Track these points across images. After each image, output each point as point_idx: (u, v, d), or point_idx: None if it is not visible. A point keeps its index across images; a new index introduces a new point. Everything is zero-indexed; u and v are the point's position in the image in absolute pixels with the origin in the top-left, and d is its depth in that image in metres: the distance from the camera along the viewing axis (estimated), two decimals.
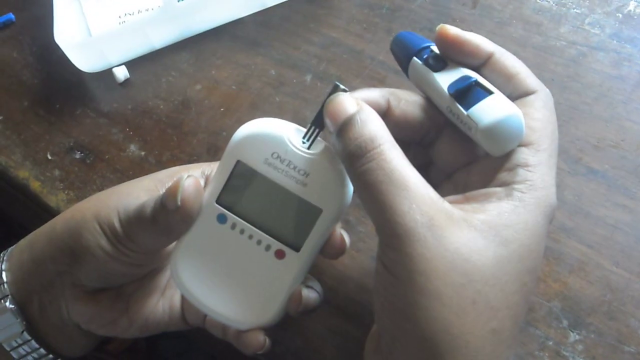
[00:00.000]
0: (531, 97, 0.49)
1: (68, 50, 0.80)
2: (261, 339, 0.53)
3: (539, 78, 0.73)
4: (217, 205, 0.52)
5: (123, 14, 0.89)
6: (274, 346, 0.55)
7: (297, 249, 0.52)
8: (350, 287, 0.63)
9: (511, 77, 0.49)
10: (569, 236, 0.64)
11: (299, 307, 0.52)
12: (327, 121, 0.48)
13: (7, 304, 0.56)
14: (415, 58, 0.52)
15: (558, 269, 0.62)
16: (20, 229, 0.61)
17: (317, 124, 0.50)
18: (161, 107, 0.80)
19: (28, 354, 0.58)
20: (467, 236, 0.43)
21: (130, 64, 0.84)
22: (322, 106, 0.48)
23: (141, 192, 0.56)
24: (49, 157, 0.78)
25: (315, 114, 0.50)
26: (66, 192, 0.74)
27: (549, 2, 0.83)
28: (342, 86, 0.48)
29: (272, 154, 0.51)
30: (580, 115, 0.71)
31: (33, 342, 0.57)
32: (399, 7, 0.85)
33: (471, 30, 0.78)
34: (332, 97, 0.48)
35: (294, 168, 0.51)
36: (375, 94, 0.51)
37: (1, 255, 0.60)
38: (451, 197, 0.47)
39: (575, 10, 0.81)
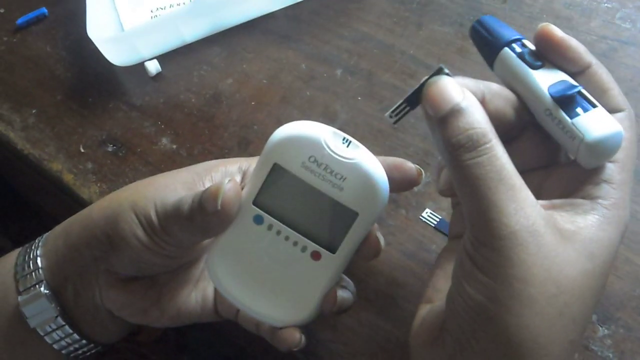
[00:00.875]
0: (620, 115, 0.49)
1: (100, 44, 0.81)
2: (297, 336, 0.54)
3: None
4: (254, 206, 0.53)
5: (155, 8, 0.89)
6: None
7: (333, 251, 0.52)
8: (380, 281, 0.64)
9: (605, 92, 0.49)
10: None
11: (333, 307, 0.53)
12: (428, 105, 0.46)
13: (42, 289, 0.57)
14: (507, 49, 0.51)
15: None
16: (53, 222, 0.62)
17: (410, 102, 0.49)
18: (193, 100, 0.81)
19: (62, 339, 0.59)
20: (563, 247, 0.43)
21: (162, 58, 0.85)
22: (420, 85, 0.47)
23: (179, 185, 0.57)
24: (82, 150, 0.79)
25: (410, 91, 0.48)
26: (98, 185, 0.75)
27: None
28: (446, 70, 0.47)
29: (309, 158, 0.51)
30: None
31: (67, 327, 0.58)
32: (430, 1, 0.85)
33: None
34: (435, 79, 0.46)
35: (331, 172, 0.51)
36: (473, 85, 0.49)
37: (37, 241, 0.61)
38: (540, 202, 0.46)
39: (606, 4, 0.81)
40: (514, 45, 0.50)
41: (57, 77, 0.87)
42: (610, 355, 0.57)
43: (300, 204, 0.53)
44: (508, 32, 0.51)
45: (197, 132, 0.78)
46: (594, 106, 0.47)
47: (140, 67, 0.84)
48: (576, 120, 0.46)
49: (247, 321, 0.59)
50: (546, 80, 0.48)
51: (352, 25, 0.85)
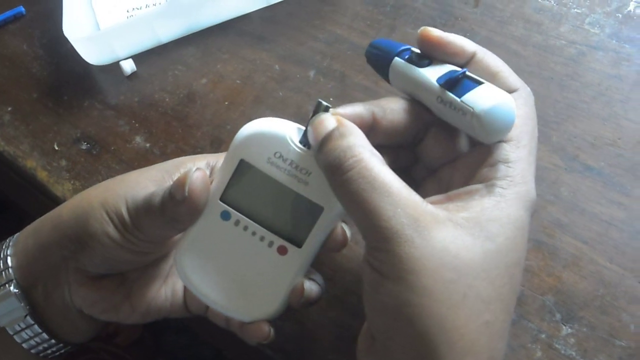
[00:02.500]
0: (512, 94, 0.50)
1: (76, 43, 0.81)
2: (266, 330, 0.54)
3: (538, 77, 0.74)
4: (220, 202, 0.54)
5: (131, 8, 0.90)
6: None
7: (299, 245, 0.53)
8: (348, 279, 0.64)
9: (493, 76, 0.51)
10: (564, 232, 0.65)
11: (300, 299, 0.53)
12: (311, 140, 0.50)
13: (12, 288, 0.57)
14: (397, 58, 0.54)
15: (552, 264, 0.63)
16: (28, 219, 0.62)
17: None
18: (167, 100, 0.81)
19: (31, 338, 0.59)
20: (454, 234, 0.44)
21: (137, 58, 0.85)
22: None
23: (148, 182, 0.57)
24: (56, 148, 0.79)
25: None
26: (72, 182, 0.76)
27: (550, 1, 0.83)
28: (324, 103, 0.50)
29: (275, 153, 0.52)
30: (579, 113, 0.72)
31: (36, 326, 0.58)
32: (403, 5, 0.86)
33: (472, 29, 0.80)
34: (314, 117, 0.50)
35: (296, 167, 0.52)
36: (359, 108, 0.52)
37: (7, 240, 0.61)
38: (434, 198, 0.49)
39: (575, 9, 0.82)
40: (402, 53, 0.54)
41: (34, 75, 0.87)
42: (574, 353, 0.58)
43: (267, 199, 0.53)
44: (397, 45, 0.55)
45: (170, 131, 0.78)
46: (481, 83, 0.49)
47: (115, 66, 0.85)
48: (465, 97, 0.48)
49: (216, 316, 0.60)
50: (434, 74, 0.51)
51: (326, 27, 0.86)
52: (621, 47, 0.77)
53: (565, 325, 0.60)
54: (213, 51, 0.85)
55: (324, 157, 0.47)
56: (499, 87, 0.49)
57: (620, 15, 0.80)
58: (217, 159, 0.61)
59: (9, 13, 0.93)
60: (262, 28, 0.87)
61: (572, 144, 0.70)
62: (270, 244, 0.54)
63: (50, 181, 0.76)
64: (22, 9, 0.94)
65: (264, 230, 0.54)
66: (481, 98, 0.48)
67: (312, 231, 0.53)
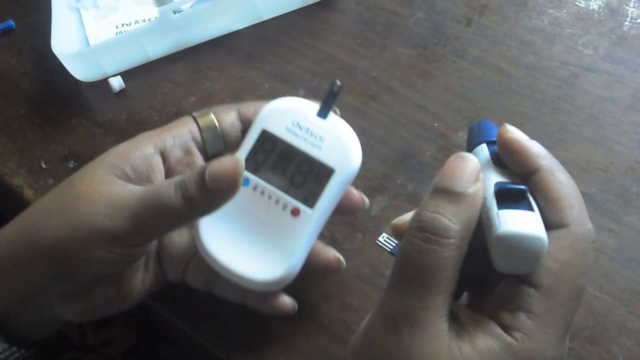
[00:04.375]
0: (561, 231, 0.43)
1: (65, 59, 0.81)
2: (288, 301, 0.58)
3: (530, 99, 0.74)
4: None
5: (120, 24, 0.89)
6: None
7: (311, 206, 0.58)
8: (335, 305, 0.64)
9: (549, 202, 0.44)
10: None
11: (319, 263, 0.58)
12: (445, 174, 0.44)
13: None
14: (485, 145, 0.50)
15: None
16: None
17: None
18: (155, 118, 0.81)
19: None
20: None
21: (126, 74, 0.85)
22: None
23: (121, 186, 0.56)
24: (43, 166, 0.78)
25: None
26: None
27: (543, 21, 0.83)
28: (338, 83, 0.56)
29: (293, 123, 0.59)
30: (570, 137, 0.72)
31: None
32: (394, 24, 0.85)
33: (464, 48, 0.79)
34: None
35: (311, 134, 0.58)
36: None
37: None
38: (463, 310, 0.45)
39: (569, 30, 0.81)
40: (492, 145, 0.50)
41: (22, 90, 0.87)
42: None
43: (283, 164, 0.59)
44: (494, 132, 0.50)
45: None
46: (531, 209, 0.44)
47: (104, 82, 0.84)
48: (502, 211, 0.43)
49: (231, 290, 0.61)
50: (502, 178, 0.47)
51: (316, 45, 0.85)
52: (615, 69, 0.77)
53: None
54: (202, 68, 0.85)
55: (430, 208, 0.43)
56: (551, 217, 0.44)
57: (614, 36, 0.80)
58: (165, 138, 0.62)
59: None
60: (251, 46, 0.86)
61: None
62: (285, 206, 0.58)
63: (37, 200, 0.75)
64: (12, 23, 0.93)
65: (279, 193, 0.59)
66: (514, 221, 0.42)
67: (324, 193, 0.57)
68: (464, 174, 0.43)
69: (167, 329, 0.64)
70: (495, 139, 0.49)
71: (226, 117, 0.63)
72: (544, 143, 0.69)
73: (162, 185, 0.52)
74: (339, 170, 0.57)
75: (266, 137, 0.59)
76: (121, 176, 0.57)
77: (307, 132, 0.59)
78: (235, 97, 0.81)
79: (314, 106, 0.60)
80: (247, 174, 0.59)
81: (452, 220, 0.41)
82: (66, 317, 0.57)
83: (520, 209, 0.43)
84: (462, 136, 0.73)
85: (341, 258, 0.59)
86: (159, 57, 0.86)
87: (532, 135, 0.67)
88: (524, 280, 0.42)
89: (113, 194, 0.54)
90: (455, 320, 0.43)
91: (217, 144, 0.63)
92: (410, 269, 0.42)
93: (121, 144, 0.61)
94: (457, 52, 0.81)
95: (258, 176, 0.59)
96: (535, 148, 0.46)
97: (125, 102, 0.83)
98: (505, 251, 0.42)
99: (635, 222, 0.65)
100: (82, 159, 0.78)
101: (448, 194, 0.42)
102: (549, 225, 0.43)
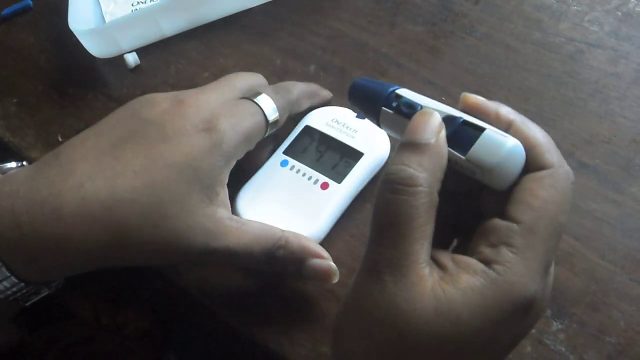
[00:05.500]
0: (542, 172, 0.44)
1: (81, 36, 0.82)
2: (329, 263, 0.60)
3: (536, 74, 0.75)
4: (282, 154, 0.69)
5: (136, 1, 0.91)
6: None
7: (339, 181, 0.66)
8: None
9: (529, 149, 0.45)
10: None
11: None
12: (410, 128, 0.46)
13: None
14: (384, 108, 0.50)
15: None
16: None
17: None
18: None
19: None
20: (422, 305, 0.42)
21: (141, 51, 0.86)
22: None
23: (194, 194, 0.58)
24: (60, 140, 0.80)
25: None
26: None
27: None
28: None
29: (332, 119, 0.70)
30: (575, 110, 0.73)
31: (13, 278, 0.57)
32: (404, 1, 0.87)
33: (472, 25, 0.81)
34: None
35: (347, 127, 0.69)
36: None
37: None
38: (442, 254, 0.45)
39: (575, 7, 0.82)
40: (389, 101, 0.50)
41: (39, 67, 0.88)
42: (563, 349, 0.59)
43: (319, 149, 0.69)
44: (380, 89, 0.51)
45: None
46: (482, 130, 0.45)
47: (119, 58, 0.85)
48: (469, 155, 0.45)
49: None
50: None
51: (327, 22, 0.86)
52: (620, 45, 0.78)
53: (555, 321, 0.60)
54: (215, 45, 0.86)
55: (397, 160, 0.45)
56: (532, 162, 0.45)
57: (619, 13, 0.81)
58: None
59: (17, 6, 0.94)
60: (264, 23, 0.88)
61: (568, 140, 0.70)
62: (316, 181, 0.66)
63: None
64: (29, 1, 0.95)
65: (312, 171, 0.67)
66: (485, 153, 0.44)
67: (351, 172, 0.66)
68: (426, 127, 0.45)
69: (181, 313, 0.65)
70: (386, 95, 0.50)
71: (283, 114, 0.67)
72: (550, 116, 0.71)
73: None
74: (367, 155, 0.66)
75: (307, 130, 0.70)
76: (213, 200, 0.59)
77: (343, 125, 0.69)
78: None
79: (350, 111, 0.70)
80: (287, 157, 0.68)
81: (417, 169, 0.43)
82: None
83: (476, 138, 0.45)
84: None
85: (334, 271, 0.60)
86: (173, 34, 0.88)
87: (538, 109, 0.69)
88: (506, 216, 0.44)
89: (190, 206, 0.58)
90: (439, 266, 0.44)
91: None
92: (384, 220, 0.44)
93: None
94: (465, 28, 0.82)
95: (296, 159, 0.68)
96: (503, 107, 0.47)
97: (140, 77, 0.85)
98: (500, 177, 0.44)
99: (638, 193, 0.67)
100: None
101: (412, 145, 0.44)
102: (534, 169, 0.45)
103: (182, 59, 0.85)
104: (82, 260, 0.57)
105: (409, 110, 0.48)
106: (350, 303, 0.46)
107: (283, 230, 0.60)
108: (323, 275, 0.60)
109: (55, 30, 0.92)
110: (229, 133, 0.59)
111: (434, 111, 0.46)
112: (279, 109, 0.65)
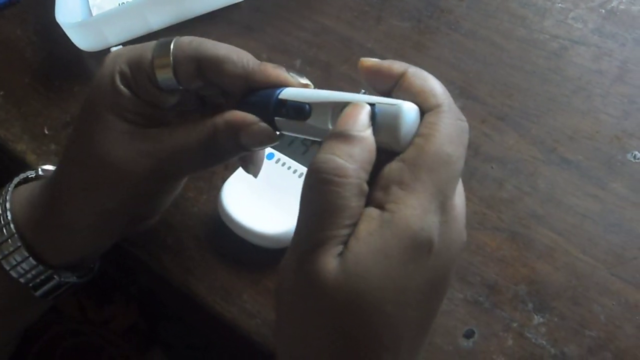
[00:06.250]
0: (427, 113, 0.45)
1: (68, 29, 0.82)
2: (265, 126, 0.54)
3: (520, 70, 0.76)
4: (270, 149, 0.68)
5: None
6: None
7: None
8: None
9: (415, 96, 0.46)
10: (540, 223, 0.66)
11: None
12: (342, 119, 0.46)
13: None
14: (277, 118, 0.51)
15: (527, 254, 0.64)
16: None
17: None
18: None
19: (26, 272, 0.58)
20: (328, 268, 0.42)
21: (128, 45, 0.86)
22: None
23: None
24: (46, 132, 0.80)
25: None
26: None
27: None
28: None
29: None
30: (558, 106, 0.73)
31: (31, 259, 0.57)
32: None
33: (458, 22, 0.81)
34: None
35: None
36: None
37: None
38: None
39: (560, 4, 0.83)
40: (280, 109, 0.51)
41: (26, 60, 0.88)
42: (544, 342, 0.59)
43: (305, 142, 0.69)
44: (266, 99, 0.52)
45: None
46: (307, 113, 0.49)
47: (106, 52, 0.85)
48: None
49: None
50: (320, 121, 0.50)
51: (314, 17, 0.87)
52: (603, 43, 0.78)
53: (537, 315, 0.61)
54: None
55: (326, 149, 0.44)
56: (420, 106, 0.45)
57: (603, 11, 0.81)
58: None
59: None
60: (250, 18, 0.88)
61: (551, 136, 0.71)
62: (301, 174, 0.66)
63: (39, 164, 0.77)
64: None
65: (297, 164, 0.67)
66: (384, 126, 0.45)
67: None
68: (358, 119, 0.45)
69: (167, 308, 0.66)
70: (274, 103, 0.51)
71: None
72: (533, 112, 0.72)
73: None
74: None
75: None
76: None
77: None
78: None
79: None
80: (272, 150, 0.68)
81: (347, 160, 0.43)
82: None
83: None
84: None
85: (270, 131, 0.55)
86: (160, 28, 0.88)
87: (522, 105, 0.69)
88: (393, 158, 0.44)
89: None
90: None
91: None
92: (314, 208, 0.44)
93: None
94: (451, 25, 0.83)
95: (282, 152, 0.68)
96: (396, 63, 0.48)
97: None
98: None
99: (619, 189, 0.67)
100: None
101: (342, 136, 0.44)
102: (425, 112, 0.45)
103: None
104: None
105: (297, 114, 0.49)
106: (279, 284, 0.47)
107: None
108: (262, 137, 0.54)
109: (42, 23, 0.92)
110: None
111: (365, 104, 0.46)
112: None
